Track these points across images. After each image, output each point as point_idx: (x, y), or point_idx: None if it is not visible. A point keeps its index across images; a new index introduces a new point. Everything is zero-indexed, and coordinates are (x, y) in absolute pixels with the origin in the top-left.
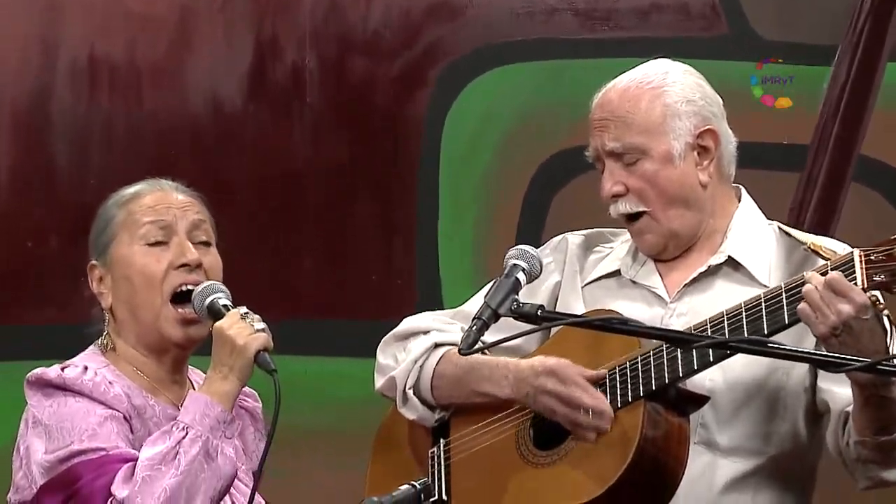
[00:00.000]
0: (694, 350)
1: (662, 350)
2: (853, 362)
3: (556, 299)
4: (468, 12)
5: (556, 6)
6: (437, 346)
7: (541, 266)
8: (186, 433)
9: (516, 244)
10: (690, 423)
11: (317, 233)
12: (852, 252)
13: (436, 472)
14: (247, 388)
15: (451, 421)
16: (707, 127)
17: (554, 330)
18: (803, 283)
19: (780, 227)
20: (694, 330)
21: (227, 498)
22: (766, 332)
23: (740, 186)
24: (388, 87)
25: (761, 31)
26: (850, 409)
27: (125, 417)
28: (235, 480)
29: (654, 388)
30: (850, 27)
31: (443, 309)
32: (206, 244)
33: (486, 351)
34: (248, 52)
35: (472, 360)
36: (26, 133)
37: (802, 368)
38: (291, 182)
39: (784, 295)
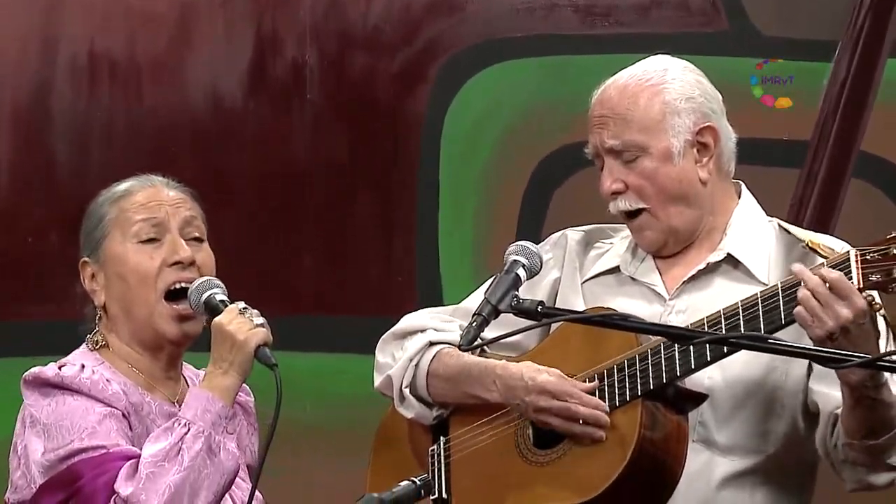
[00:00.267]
0: (692, 348)
1: (661, 349)
2: (854, 358)
3: (556, 295)
4: (468, 8)
5: (557, 2)
6: (431, 344)
7: (541, 262)
8: (189, 429)
9: (516, 240)
10: (689, 422)
11: (317, 229)
12: (848, 252)
13: (436, 469)
14: None
15: (450, 419)
16: (706, 124)
17: (553, 326)
18: (800, 283)
19: (779, 224)
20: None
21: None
22: (762, 332)
23: (740, 182)
24: (389, 83)
25: (761, 27)
26: (839, 410)
27: (123, 414)
28: None
29: (652, 386)
30: (851, 23)
31: (443, 305)
32: (199, 240)
33: (485, 347)
34: (249, 48)
35: (463, 361)
36: (26, 129)
37: (801, 368)
38: (291, 178)
39: (781, 295)
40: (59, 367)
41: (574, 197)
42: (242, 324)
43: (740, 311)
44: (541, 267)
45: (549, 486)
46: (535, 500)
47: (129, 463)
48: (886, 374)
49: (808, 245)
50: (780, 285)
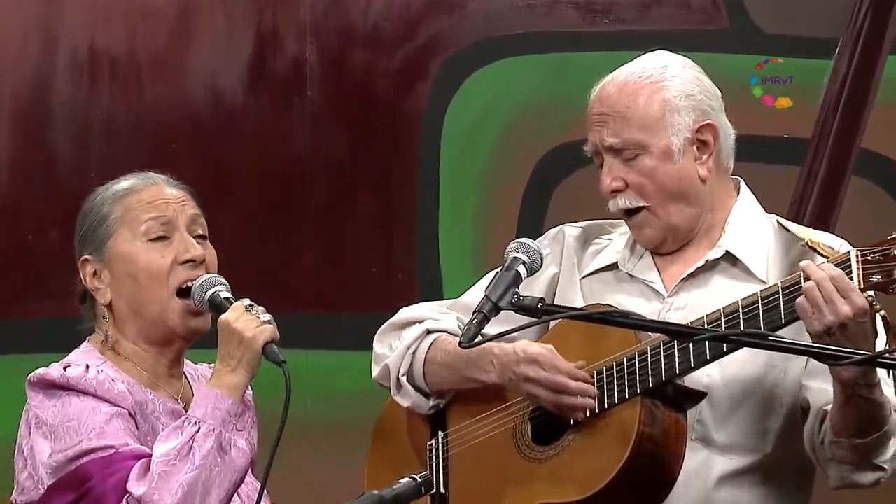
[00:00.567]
0: (692, 347)
1: (660, 347)
2: (853, 355)
3: (554, 291)
4: (468, 5)
5: None
6: (428, 332)
7: (541, 259)
8: (199, 427)
9: (517, 237)
10: (687, 420)
11: (317, 225)
12: (849, 252)
13: (434, 465)
14: None
15: (447, 413)
16: (706, 121)
17: (552, 323)
18: (800, 283)
19: (778, 221)
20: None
21: None
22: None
23: (739, 179)
24: (389, 80)
25: (762, 24)
26: (828, 407)
27: (130, 413)
28: None
29: (651, 385)
30: (851, 20)
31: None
32: (203, 237)
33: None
34: (249, 44)
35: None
36: (26, 125)
37: (799, 367)
38: (291, 174)
39: (781, 294)
40: (64, 368)
41: (574, 194)
42: (249, 321)
43: (740, 311)
44: (541, 264)
45: (548, 483)
46: (534, 496)
47: (140, 462)
48: (881, 375)
49: (807, 244)
50: (780, 284)
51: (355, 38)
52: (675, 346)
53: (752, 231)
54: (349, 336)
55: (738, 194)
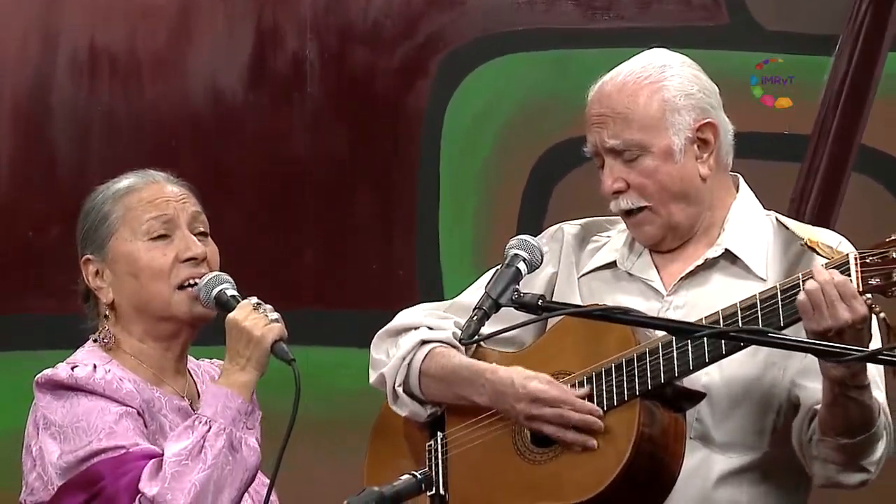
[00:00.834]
0: (692, 349)
1: (659, 348)
2: (854, 352)
3: (553, 290)
4: (469, 2)
5: None
6: (423, 342)
7: (542, 256)
8: (210, 427)
9: (517, 235)
10: (686, 419)
11: (317, 223)
12: (848, 255)
13: (433, 465)
14: None
15: (446, 414)
16: (706, 120)
17: (552, 322)
18: (798, 286)
19: (777, 219)
20: None
21: None
22: None
23: (738, 176)
24: (389, 78)
25: (762, 21)
26: (818, 406)
27: (138, 413)
28: None
29: (650, 386)
30: (851, 17)
31: (443, 299)
32: (205, 234)
33: (482, 343)
34: (249, 42)
35: (454, 362)
36: (26, 123)
37: (797, 365)
38: (291, 172)
39: (780, 296)
40: (72, 368)
41: (574, 192)
42: (258, 320)
43: (738, 313)
44: (541, 261)
45: (547, 485)
46: (533, 499)
47: (151, 462)
48: (873, 379)
49: (806, 243)
50: (778, 287)
51: (355, 35)
52: (675, 348)
53: (751, 229)
54: (349, 334)
55: (737, 192)
